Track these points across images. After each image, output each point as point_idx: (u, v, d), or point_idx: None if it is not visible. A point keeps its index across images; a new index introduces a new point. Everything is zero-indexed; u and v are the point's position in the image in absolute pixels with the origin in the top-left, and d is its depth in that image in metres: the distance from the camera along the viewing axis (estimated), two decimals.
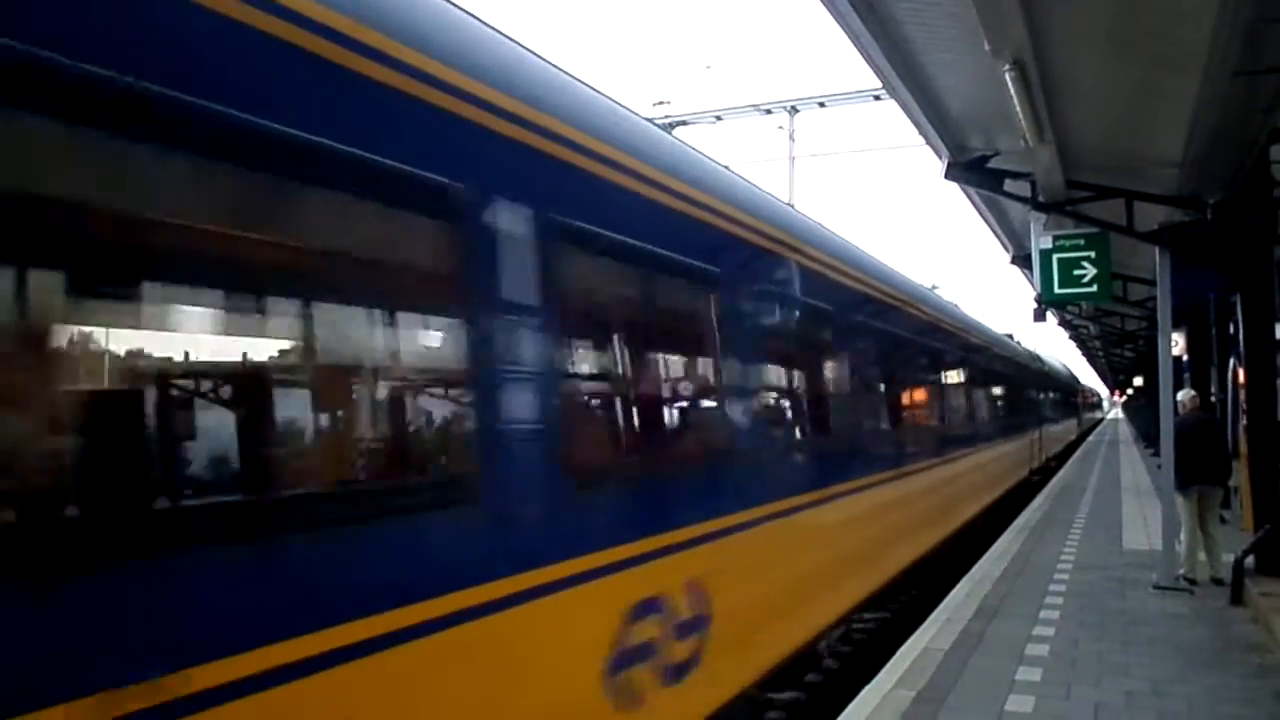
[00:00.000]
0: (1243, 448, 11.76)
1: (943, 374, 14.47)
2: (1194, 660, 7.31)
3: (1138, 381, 44.80)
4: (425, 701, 3.12)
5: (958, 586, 10.29)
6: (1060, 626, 8.38)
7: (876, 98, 19.77)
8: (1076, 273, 11.32)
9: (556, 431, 3.86)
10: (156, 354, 2.68)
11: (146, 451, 2.61)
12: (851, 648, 8.96)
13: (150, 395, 2.65)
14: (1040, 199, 11.31)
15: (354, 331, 3.25)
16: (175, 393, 2.75)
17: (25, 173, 2.23)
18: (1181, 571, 10.15)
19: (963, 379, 16.14)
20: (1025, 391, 25.87)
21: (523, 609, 3.53)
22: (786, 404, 7.34)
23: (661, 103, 21.33)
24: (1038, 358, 32.63)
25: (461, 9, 3.95)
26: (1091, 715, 6.04)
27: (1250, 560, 9.65)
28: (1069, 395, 50.13)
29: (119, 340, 2.58)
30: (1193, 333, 18.39)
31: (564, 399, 4.10)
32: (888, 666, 7.18)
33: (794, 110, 22.07)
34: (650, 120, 6.55)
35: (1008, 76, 7.52)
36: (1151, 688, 6.61)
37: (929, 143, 10.72)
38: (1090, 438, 54.84)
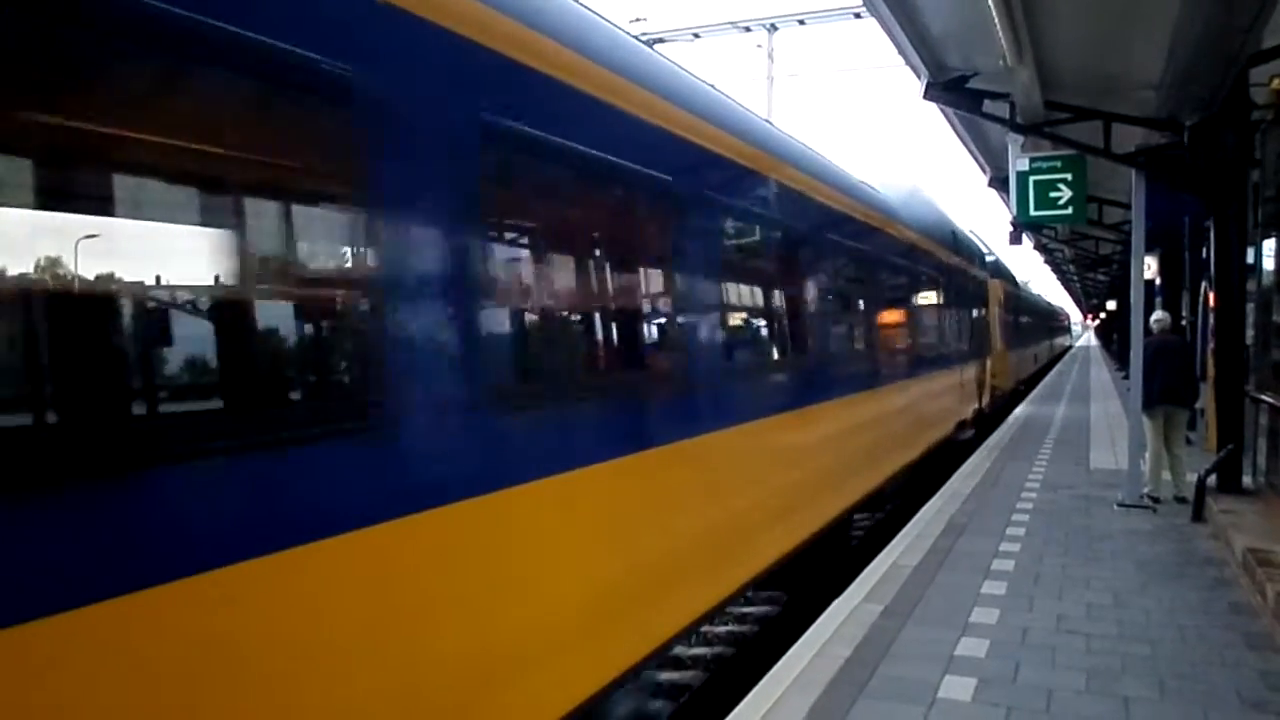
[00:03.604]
0: (1210, 370, 11.95)
1: None
2: (1154, 574, 7.52)
3: (1111, 305, 44.13)
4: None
5: (928, 504, 10.48)
6: (1025, 543, 8.58)
7: (857, 15, 19.43)
8: (1052, 194, 11.32)
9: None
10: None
11: None
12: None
13: None
14: (1018, 120, 11.24)
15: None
16: None
17: None
18: (1145, 490, 10.37)
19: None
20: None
21: None
22: None
23: (638, 19, 20.90)
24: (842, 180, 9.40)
25: None
26: (1053, 626, 6.22)
27: (1212, 479, 9.87)
28: (962, 296, 17.51)
29: None
30: (1166, 256, 18.51)
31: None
32: (857, 581, 7.34)
33: (773, 28, 21.68)
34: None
35: None
36: (1113, 600, 6.81)
37: (908, 62, 10.59)
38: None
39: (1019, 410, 22.16)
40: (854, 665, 5.51)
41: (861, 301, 10.40)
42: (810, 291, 8.41)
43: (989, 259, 23.73)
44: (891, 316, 11.78)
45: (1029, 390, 29.97)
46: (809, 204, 8.19)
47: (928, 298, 14.35)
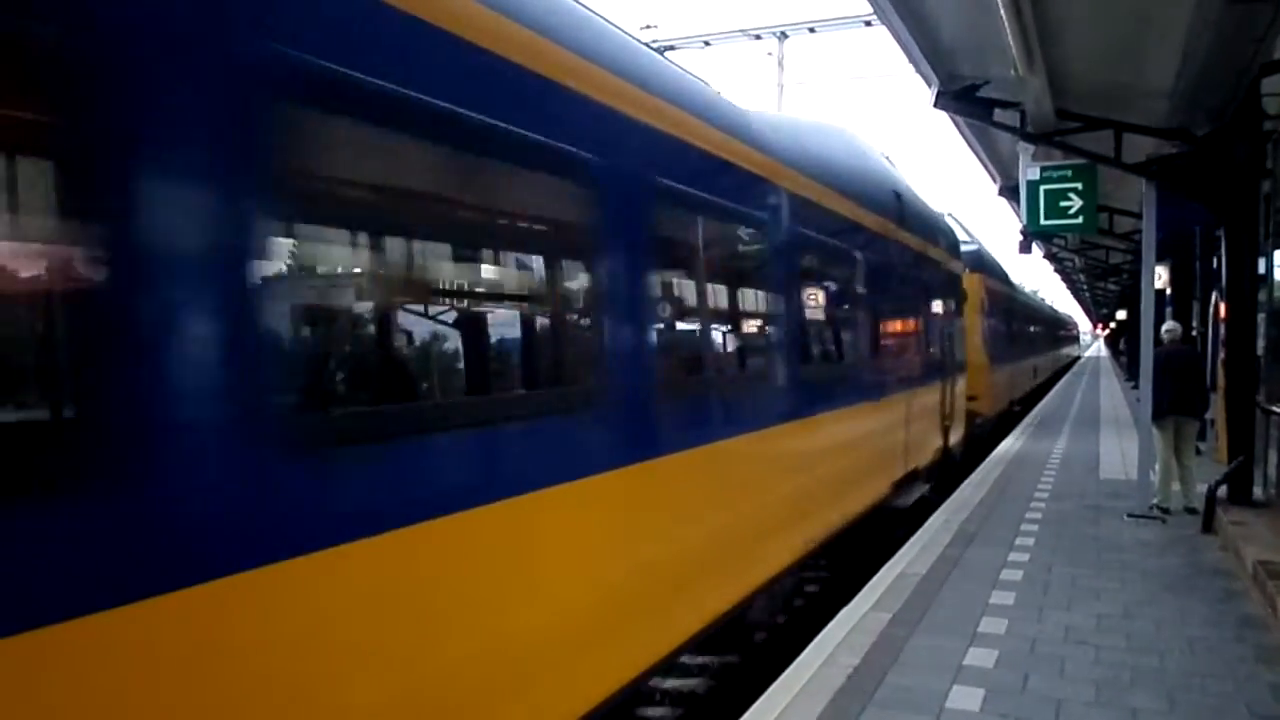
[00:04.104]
0: (1221, 381, 11.92)
1: None
2: (1164, 585, 7.48)
3: (1121, 315, 43.92)
4: None
5: (936, 514, 10.45)
6: (1035, 553, 8.55)
7: (867, 23, 19.49)
8: (1063, 204, 11.31)
9: None
10: None
11: None
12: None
13: None
14: (1029, 129, 11.24)
15: None
16: None
17: None
18: (1155, 500, 10.33)
19: None
20: None
21: None
22: None
23: (649, 26, 20.98)
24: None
25: None
26: (1062, 637, 6.19)
27: (1223, 490, 9.84)
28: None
29: None
30: (1177, 266, 18.48)
31: None
32: (865, 590, 7.33)
33: (783, 36, 21.73)
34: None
35: (999, 2, 7.42)
36: (1122, 611, 6.78)
37: (919, 71, 10.59)
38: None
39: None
40: (862, 674, 5.50)
41: (701, 296, 5.99)
42: (584, 276, 4.74)
43: (969, 248, 18.78)
44: (764, 320, 7.02)
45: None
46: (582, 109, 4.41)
47: (841, 290, 8.95)
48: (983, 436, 17.80)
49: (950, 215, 17.15)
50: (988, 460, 14.87)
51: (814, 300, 8.07)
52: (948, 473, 13.46)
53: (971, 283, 17.99)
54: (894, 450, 10.35)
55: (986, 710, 4.98)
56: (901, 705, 5.03)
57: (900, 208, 10.82)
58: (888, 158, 11.80)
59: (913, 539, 9.18)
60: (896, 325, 10.94)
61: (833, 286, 8.71)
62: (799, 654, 5.93)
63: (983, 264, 20.59)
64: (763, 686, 5.53)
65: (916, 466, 11.36)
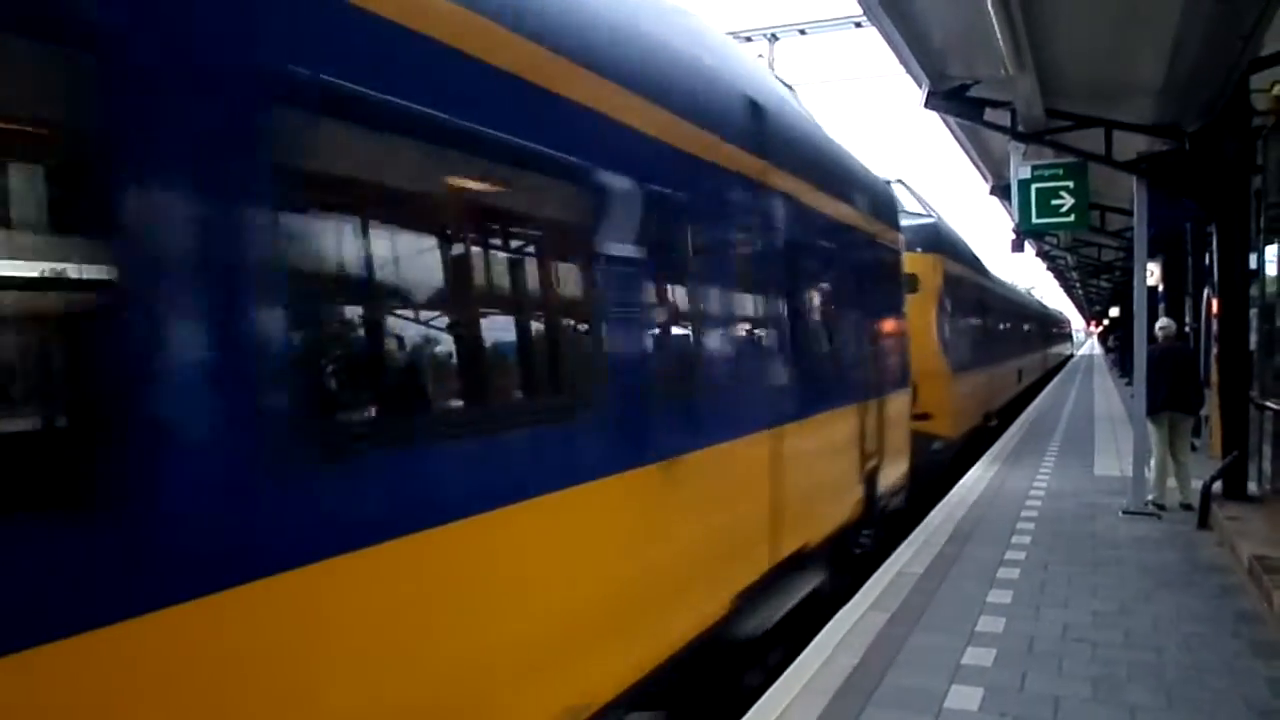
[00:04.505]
0: (1214, 376, 11.95)
1: None
2: (1160, 582, 7.49)
3: (1114, 312, 43.92)
4: None
5: (933, 513, 10.45)
6: (1031, 551, 8.56)
7: (857, 25, 19.50)
8: (1054, 202, 11.35)
9: None
10: None
11: None
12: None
13: None
14: (1020, 128, 11.27)
15: None
16: None
17: None
18: (1151, 497, 10.35)
19: None
20: None
21: None
22: None
23: None
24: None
25: None
26: (1060, 635, 6.20)
27: (1218, 486, 9.86)
28: None
29: None
30: (1169, 263, 18.53)
31: None
32: (863, 590, 7.33)
33: (773, 38, 21.74)
34: None
35: (988, 1, 7.44)
36: (1119, 608, 6.79)
37: (909, 71, 10.61)
38: None
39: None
40: (861, 674, 5.49)
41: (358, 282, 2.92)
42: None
43: (920, 221, 15.07)
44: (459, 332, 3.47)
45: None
46: None
47: (609, 257, 4.34)
48: (944, 463, 14.03)
49: (900, 182, 14.04)
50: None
51: (530, 275, 4.10)
52: (881, 531, 9.37)
53: (923, 266, 14.08)
54: (745, 533, 5.95)
55: (985, 709, 4.98)
56: (901, 705, 5.03)
57: (760, 130, 6.34)
58: (784, 82, 8.51)
59: (909, 538, 9.18)
60: (748, 320, 6.42)
61: (585, 250, 4.30)
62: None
63: (941, 243, 15.79)
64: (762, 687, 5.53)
65: (805, 544, 6.97)
